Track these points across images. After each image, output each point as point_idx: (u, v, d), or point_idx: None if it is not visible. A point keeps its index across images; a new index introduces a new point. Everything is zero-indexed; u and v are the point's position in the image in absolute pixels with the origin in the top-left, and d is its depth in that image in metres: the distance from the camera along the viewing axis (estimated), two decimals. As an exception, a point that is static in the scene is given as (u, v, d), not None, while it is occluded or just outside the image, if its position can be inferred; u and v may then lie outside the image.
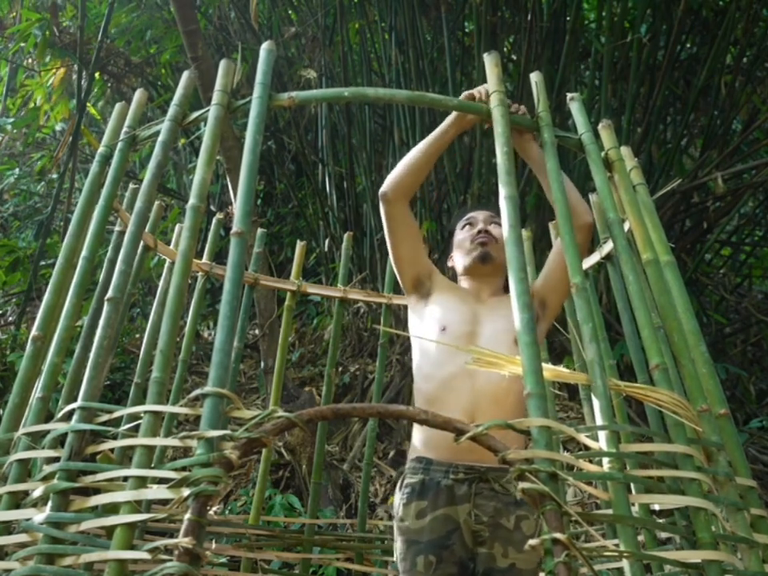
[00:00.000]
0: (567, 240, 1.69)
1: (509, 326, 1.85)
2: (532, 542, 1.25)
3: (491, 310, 2.02)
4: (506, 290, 2.18)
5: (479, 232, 2.11)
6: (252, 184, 1.72)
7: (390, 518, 3.48)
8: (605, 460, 1.44)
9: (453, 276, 2.26)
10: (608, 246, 2.23)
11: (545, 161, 1.85)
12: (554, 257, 2.05)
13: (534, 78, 1.96)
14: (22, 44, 5.05)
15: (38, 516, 1.43)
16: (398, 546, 1.84)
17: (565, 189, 1.76)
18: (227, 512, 3.55)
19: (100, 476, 1.43)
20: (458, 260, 2.16)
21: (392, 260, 2.13)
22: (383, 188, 2.01)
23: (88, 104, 5.05)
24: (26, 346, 1.84)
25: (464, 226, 2.18)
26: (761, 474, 3.88)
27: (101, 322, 1.68)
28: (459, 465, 1.82)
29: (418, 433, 1.93)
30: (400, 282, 2.14)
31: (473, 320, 1.98)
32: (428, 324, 2.00)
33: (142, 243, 2.20)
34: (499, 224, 2.13)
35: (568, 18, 4.71)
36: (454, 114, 1.97)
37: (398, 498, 1.89)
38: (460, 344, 1.75)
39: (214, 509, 3.33)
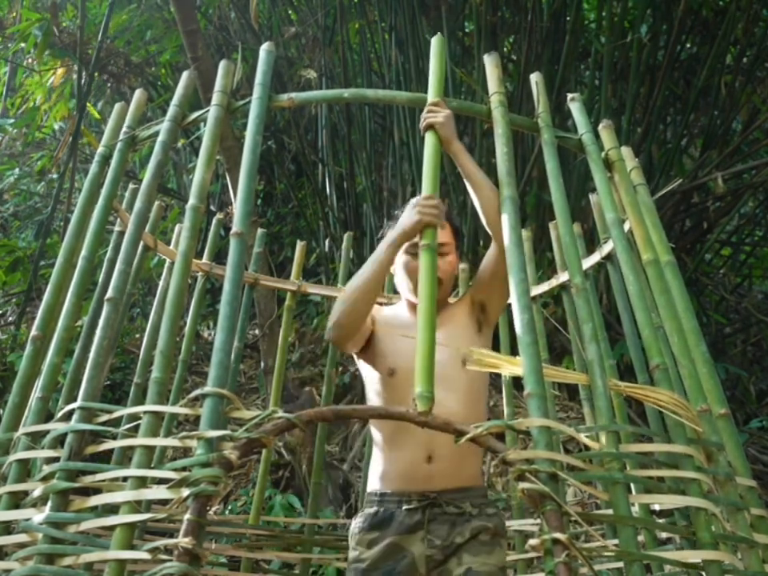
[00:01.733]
0: (567, 240, 1.69)
1: (453, 351, 1.79)
2: (532, 541, 1.25)
3: (438, 335, 1.84)
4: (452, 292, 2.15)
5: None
6: (252, 184, 1.72)
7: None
8: (605, 460, 1.44)
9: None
10: (608, 246, 2.23)
11: (469, 166, 1.84)
12: (487, 259, 1.96)
13: (534, 78, 1.96)
14: (22, 44, 5.05)
15: (38, 516, 1.43)
16: None
17: (560, 187, 1.76)
18: (227, 512, 3.55)
19: (100, 476, 1.43)
20: (400, 284, 2.02)
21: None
22: (330, 336, 1.87)
23: (88, 104, 5.05)
24: (25, 346, 1.84)
25: (407, 249, 1.94)
26: (761, 474, 3.88)
27: (101, 322, 1.68)
28: (412, 494, 1.81)
29: (375, 467, 1.92)
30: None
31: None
32: (376, 369, 1.94)
33: (141, 243, 2.20)
34: (448, 251, 1.98)
35: (568, 18, 4.71)
36: (390, 238, 1.81)
37: (351, 530, 1.88)
38: (410, 383, 1.58)
39: (214, 509, 3.33)
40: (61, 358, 1.73)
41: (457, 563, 1.76)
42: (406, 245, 1.91)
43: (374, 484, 1.90)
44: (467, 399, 1.85)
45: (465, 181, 1.91)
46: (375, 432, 1.94)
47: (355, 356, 2.02)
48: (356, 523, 1.87)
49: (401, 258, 1.99)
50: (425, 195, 1.74)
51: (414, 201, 1.83)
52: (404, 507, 1.80)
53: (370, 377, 1.96)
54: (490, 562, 1.75)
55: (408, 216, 1.77)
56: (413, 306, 1.93)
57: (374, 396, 1.94)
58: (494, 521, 1.82)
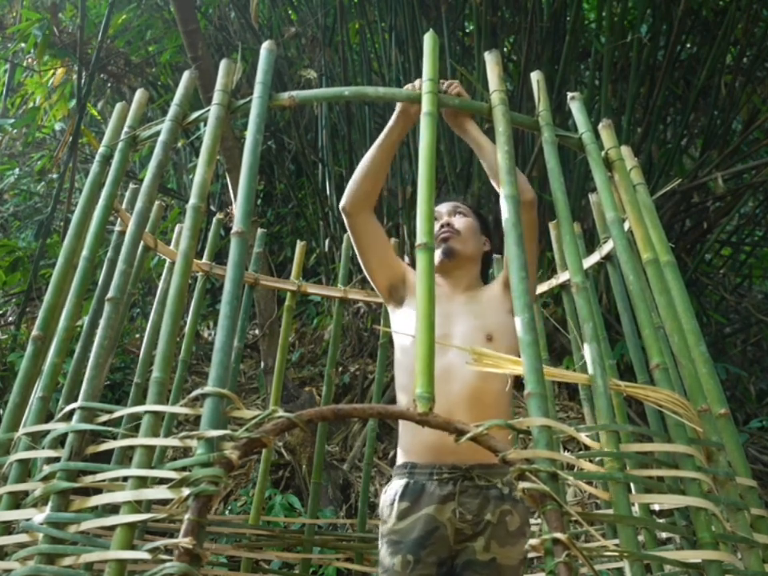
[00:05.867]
0: (567, 240, 1.69)
1: (480, 323, 1.90)
2: (532, 541, 1.25)
3: (464, 307, 1.98)
4: (483, 277, 2.20)
5: (441, 227, 2.06)
6: (252, 184, 1.72)
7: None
8: (605, 460, 1.44)
9: None
10: (608, 246, 2.23)
11: (482, 139, 1.91)
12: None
13: (535, 76, 1.96)
14: (22, 44, 5.05)
15: (38, 516, 1.43)
16: (381, 549, 1.85)
17: (560, 187, 1.75)
18: (227, 512, 3.55)
19: (100, 476, 1.43)
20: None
21: (364, 270, 2.07)
22: (342, 202, 1.97)
23: (88, 104, 5.05)
24: (26, 346, 1.84)
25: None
26: (761, 473, 3.89)
27: (101, 322, 1.68)
28: (443, 466, 1.82)
29: (402, 439, 1.93)
30: (375, 290, 2.10)
31: (445, 322, 1.90)
32: (404, 333, 1.96)
33: (142, 243, 2.20)
34: (464, 213, 2.14)
35: (568, 18, 4.71)
36: (398, 107, 1.94)
37: (382, 502, 1.89)
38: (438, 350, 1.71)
39: (214, 509, 3.33)
40: (61, 358, 1.73)
41: (483, 547, 1.78)
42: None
43: (402, 456, 1.91)
44: (494, 391, 1.88)
45: (478, 154, 1.99)
46: (398, 405, 1.95)
47: (388, 308, 2.08)
48: (387, 496, 1.88)
49: None
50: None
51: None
52: (435, 479, 1.81)
53: (399, 341, 1.99)
54: (513, 556, 1.79)
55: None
56: (439, 278, 2.01)
57: (397, 364, 1.99)
58: (519, 510, 1.83)
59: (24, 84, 5.52)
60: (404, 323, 1.98)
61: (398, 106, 1.93)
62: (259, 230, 3.03)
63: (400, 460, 1.92)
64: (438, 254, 2.04)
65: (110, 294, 1.70)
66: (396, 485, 1.87)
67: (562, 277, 2.56)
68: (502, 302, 1.99)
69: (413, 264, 1.71)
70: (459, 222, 2.10)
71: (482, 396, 1.86)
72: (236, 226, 1.65)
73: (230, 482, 3.45)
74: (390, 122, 1.95)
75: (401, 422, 1.94)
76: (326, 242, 5.29)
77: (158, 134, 1.90)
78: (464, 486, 1.81)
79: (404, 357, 1.96)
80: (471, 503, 1.80)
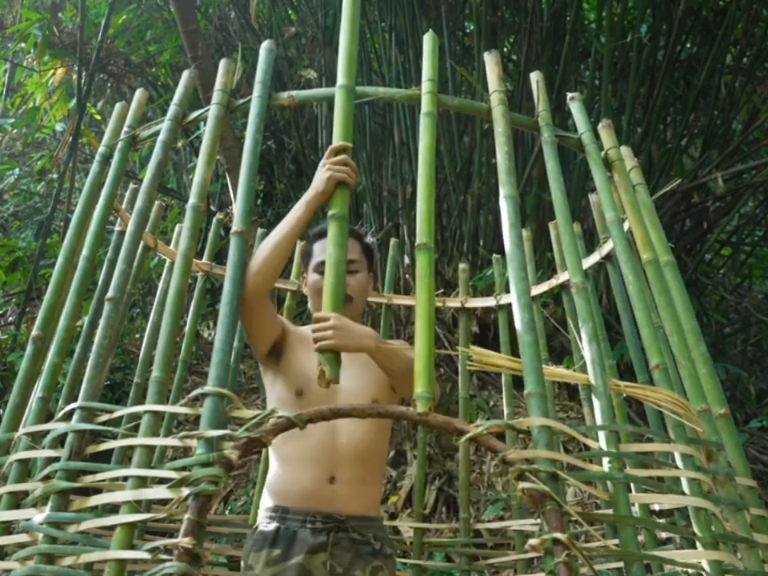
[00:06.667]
0: (567, 240, 1.69)
1: (367, 380, 1.77)
2: (532, 541, 1.25)
3: (350, 361, 1.71)
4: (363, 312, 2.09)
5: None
6: (252, 183, 1.72)
7: (390, 517, 3.48)
8: (605, 460, 1.44)
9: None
10: (608, 246, 2.23)
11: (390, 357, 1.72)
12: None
13: (535, 76, 1.96)
14: (22, 44, 5.05)
15: (38, 516, 1.43)
16: None
17: (560, 187, 1.75)
18: (227, 512, 3.55)
19: (100, 476, 1.43)
20: (311, 304, 1.99)
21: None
22: (244, 292, 1.66)
23: (88, 104, 5.05)
24: (26, 346, 1.84)
25: (316, 268, 1.93)
26: (761, 473, 3.88)
27: (101, 322, 1.68)
28: (317, 514, 1.76)
29: (276, 480, 1.85)
30: (252, 349, 1.94)
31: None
32: (283, 386, 1.87)
33: (141, 243, 2.20)
34: (357, 269, 1.95)
35: (568, 18, 4.71)
36: (304, 197, 1.73)
37: (248, 546, 1.79)
38: (319, 405, 1.57)
39: (214, 509, 3.33)
40: (61, 358, 1.73)
41: None
42: (314, 263, 1.92)
43: (273, 499, 1.82)
44: (376, 430, 1.86)
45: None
46: (277, 449, 1.85)
47: (264, 369, 1.94)
48: (254, 540, 1.77)
49: (311, 276, 1.95)
50: (332, 149, 1.67)
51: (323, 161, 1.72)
52: (308, 527, 1.74)
53: (276, 394, 1.88)
54: None
55: (318, 175, 1.68)
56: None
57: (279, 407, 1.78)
58: (390, 565, 1.81)
59: (24, 84, 5.52)
60: (285, 378, 1.87)
61: (303, 199, 1.73)
62: (259, 230, 3.03)
63: (270, 502, 1.82)
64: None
65: (109, 294, 1.70)
66: (265, 530, 1.76)
67: (562, 277, 2.56)
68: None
69: (413, 263, 1.69)
70: (353, 284, 1.90)
71: (366, 454, 1.83)
72: (236, 226, 1.65)
73: (230, 481, 3.45)
74: (297, 212, 1.72)
75: (278, 462, 1.85)
76: (326, 242, 5.27)
77: (157, 133, 1.90)
78: (337, 538, 1.75)
79: (283, 405, 1.82)
80: (343, 556, 1.74)
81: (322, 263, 1.77)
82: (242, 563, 1.78)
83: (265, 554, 1.73)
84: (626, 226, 1.88)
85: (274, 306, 1.89)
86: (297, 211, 1.73)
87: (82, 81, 4.70)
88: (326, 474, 1.78)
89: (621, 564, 2.14)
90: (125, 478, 1.41)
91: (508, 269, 1.60)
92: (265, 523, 1.79)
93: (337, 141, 1.70)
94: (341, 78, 1.77)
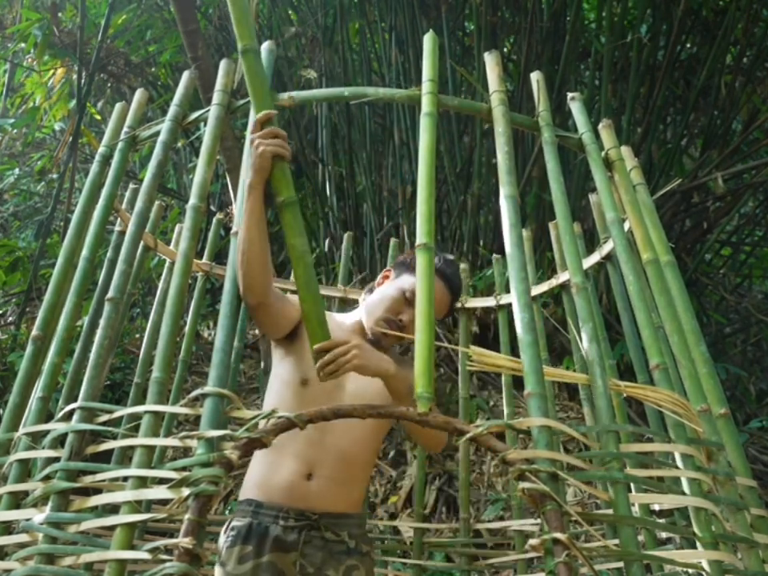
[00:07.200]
0: (567, 240, 1.69)
1: (373, 380, 1.69)
2: (532, 541, 1.25)
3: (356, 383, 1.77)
4: None
5: (400, 322, 1.84)
6: (252, 184, 1.71)
7: (390, 517, 3.48)
8: (605, 460, 1.44)
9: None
10: (608, 246, 2.23)
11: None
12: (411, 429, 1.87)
13: (535, 76, 1.96)
14: (22, 44, 5.05)
15: (38, 516, 1.43)
16: None
17: (560, 187, 1.75)
18: (227, 512, 3.55)
19: (100, 476, 1.43)
20: (364, 314, 1.93)
21: (258, 329, 1.86)
22: (244, 298, 1.65)
23: (88, 104, 5.05)
24: (26, 346, 1.84)
25: (401, 295, 1.86)
26: (761, 474, 3.89)
27: (101, 322, 1.68)
28: (290, 510, 1.72)
29: (252, 474, 1.81)
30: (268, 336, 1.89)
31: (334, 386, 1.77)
32: (290, 370, 1.83)
33: (142, 243, 2.20)
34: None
35: (568, 18, 4.71)
36: (247, 183, 1.65)
37: (221, 541, 1.75)
38: (322, 399, 1.64)
39: (214, 509, 3.33)
40: (61, 358, 1.73)
41: None
42: (402, 296, 1.85)
43: (247, 492, 1.79)
44: (371, 432, 1.84)
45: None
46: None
47: (274, 345, 1.90)
48: (227, 536, 1.74)
49: (391, 292, 1.89)
50: (257, 120, 1.62)
51: (250, 136, 1.65)
52: (281, 523, 1.71)
53: (281, 375, 1.85)
54: None
55: (251, 153, 1.63)
56: (360, 330, 1.89)
57: (279, 402, 1.76)
58: (366, 563, 1.78)
59: (24, 84, 5.52)
60: (292, 364, 1.84)
61: (247, 185, 1.64)
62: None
63: (243, 495, 1.79)
64: (371, 333, 1.87)
65: (109, 294, 1.70)
66: (238, 525, 1.73)
67: (562, 277, 2.56)
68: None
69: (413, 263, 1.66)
70: (411, 327, 1.72)
71: (353, 457, 1.81)
72: (236, 226, 1.65)
73: (230, 482, 3.45)
74: (247, 203, 1.64)
75: (255, 456, 1.78)
76: (326, 241, 5.28)
77: (157, 134, 1.90)
78: (309, 536, 1.72)
79: (285, 397, 1.80)
80: (315, 555, 1.71)
81: (411, 295, 1.79)
82: (217, 557, 1.75)
83: (237, 550, 1.70)
84: (626, 225, 1.88)
85: (282, 299, 1.84)
86: (247, 202, 1.64)
87: (82, 81, 4.70)
88: (304, 470, 1.74)
89: (621, 564, 2.14)
90: (125, 478, 1.41)
91: (508, 269, 1.60)
92: (239, 516, 1.76)
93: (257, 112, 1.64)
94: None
